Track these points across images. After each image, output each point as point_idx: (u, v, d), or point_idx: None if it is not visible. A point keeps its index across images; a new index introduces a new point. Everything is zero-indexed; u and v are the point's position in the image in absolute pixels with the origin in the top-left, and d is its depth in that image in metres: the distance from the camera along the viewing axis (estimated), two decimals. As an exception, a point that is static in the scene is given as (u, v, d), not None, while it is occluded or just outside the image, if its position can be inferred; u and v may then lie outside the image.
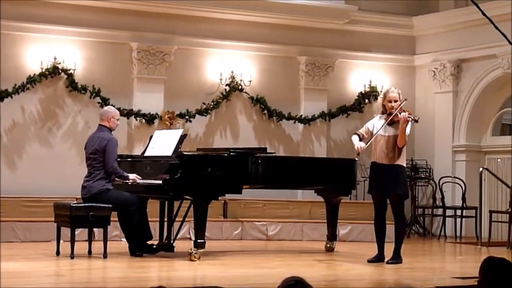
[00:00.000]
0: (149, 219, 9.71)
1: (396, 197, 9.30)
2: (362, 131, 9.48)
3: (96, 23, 12.85)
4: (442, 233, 13.99)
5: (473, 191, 13.50)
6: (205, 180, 9.06)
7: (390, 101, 9.31)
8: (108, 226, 9.29)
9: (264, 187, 10.13)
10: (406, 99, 9.48)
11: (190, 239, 11.08)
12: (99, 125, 9.65)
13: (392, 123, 9.22)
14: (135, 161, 10.02)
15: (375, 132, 9.30)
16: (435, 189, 14.09)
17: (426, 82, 15.00)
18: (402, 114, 9.09)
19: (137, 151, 12.11)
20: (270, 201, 13.07)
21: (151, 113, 13.15)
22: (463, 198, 13.84)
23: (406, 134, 9.14)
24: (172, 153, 9.31)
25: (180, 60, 13.44)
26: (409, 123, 9.14)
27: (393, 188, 9.23)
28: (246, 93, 13.85)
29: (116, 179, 9.49)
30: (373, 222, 9.56)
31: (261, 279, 7.89)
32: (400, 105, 9.26)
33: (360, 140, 9.41)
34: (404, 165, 9.38)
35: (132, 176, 9.44)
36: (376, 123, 9.36)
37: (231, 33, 13.69)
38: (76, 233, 9.28)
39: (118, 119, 9.80)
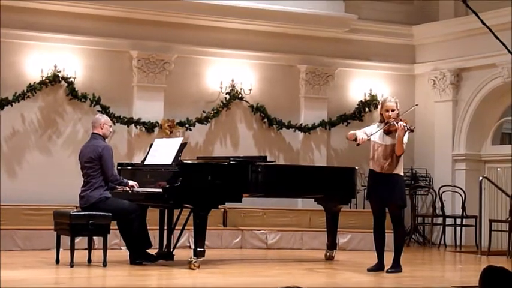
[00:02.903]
0: (149, 227, 9.70)
1: (395, 207, 9.30)
2: (365, 136, 9.41)
3: (96, 31, 12.87)
4: (442, 241, 13.99)
5: (473, 200, 13.49)
6: (205, 189, 9.05)
7: (387, 110, 9.30)
8: (108, 234, 9.28)
9: (264, 195, 10.12)
10: (417, 104, 9.49)
11: (190, 247, 11.07)
12: (92, 133, 9.60)
13: (389, 132, 9.22)
14: (135, 169, 10.02)
15: (372, 138, 9.29)
16: (435, 198, 14.08)
17: (426, 91, 15.01)
18: (399, 123, 9.09)
19: (137, 159, 12.11)
20: (269, 209, 13.07)
21: (152, 121, 13.16)
22: (463, 207, 13.84)
23: (404, 142, 9.14)
24: (173, 162, 9.31)
25: (180, 69, 13.46)
26: (406, 132, 9.13)
27: (392, 197, 9.23)
28: (246, 102, 13.87)
29: (117, 186, 9.48)
30: (372, 231, 9.56)
31: (260, 287, 7.88)
32: (398, 114, 9.26)
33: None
34: (402, 173, 9.37)
35: (131, 182, 9.44)
36: (374, 131, 9.34)
37: (231, 42, 13.72)
38: (76, 241, 9.26)
39: (110, 126, 9.77)
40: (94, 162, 9.28)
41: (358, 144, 9.30)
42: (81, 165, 9.48)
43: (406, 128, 9.05)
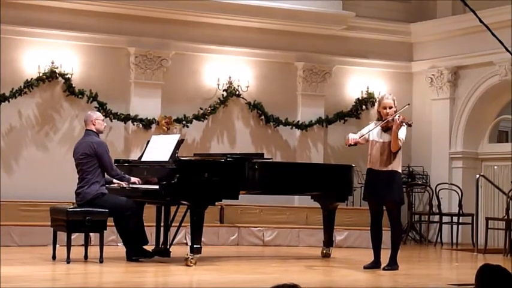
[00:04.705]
0: (146, 224, 9.70)
1: (392, 204, 9.29)
2: (357, 136, 9.47)
3: (93, 27, 12.86)
4: (439, 239, 14.00)
5: (469, 198, 13.50)
6: (202, 186, 9.05)
7: (385, 108, 9.30)
8: (105, 231, 9.27)
9: (260, 193, 10.13)
10: (408, 104, 9.52)
11: (186, 244, 11.05)
12: (86, 130, 9.57)
13: (387, 129, 9.22)
14: (132, 166, 10.01)
15: (370, 136, 9.31)
16: (432, 196, 14.10)
17: (423, 89, 15.02)
18: (395, 117, 9.09)
19: (134, 156, 12.11)
20: (266, 206, 13.07)
21: (149, 118, 13.15)
22: (460, 205, 13.85)
23: (401, 138, 9.12)
24: (169, 158, 9.31)
25: (177, 66, 13.45)
26: (403, 127, 9.12)
27: (388, 194, 9.23)
28: (243, 99, 13.87)
29: (118, 181, 9.47)
30: (369, 228, 9.57)
31: (257, 284, 7.88)
32: (395, 111, 9.25)
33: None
34: (400, 170, 9.36)
35: (133, 178, 9.44)
36: (373, 130, 9.36)
37: (229, 39, 13.71)
38: (72, 237, 9.27)
39: (103, 120, 9.74)
40: (89, 158, 9.26)
41: (350, 145, 9.37)
42: (75, 162, 9.46)
43: (402, 123, 9.04)
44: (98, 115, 9.71)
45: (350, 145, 9.41)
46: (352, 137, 9.40)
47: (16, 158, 12.52)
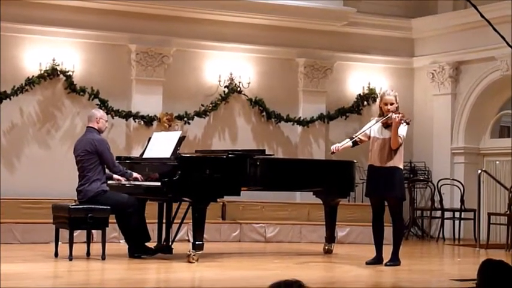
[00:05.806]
0: (148, 220, 9.69)
1: (393, 200, 9.30)
2: (360, 135, 9.48)
3: (94, 24, 12.85)
4: (441, 235, 14.00)
5: (471, 193, 13.49)
6: (203, 182, 9.05)
7: (386, 104, 9.30)
8: (107, 228, 9.28)
9: (262, 189, 10.13)
10: (392, 111, 9.28)
11: (188, 241, 11.08)
12: (88, 127, 9.56)
13: (388, 125, 9.23)
14: (134, 163, 10.01)
15: (371, 133, 9.33)
16: (434, 192, 14.09)
17: (425, 84, 15.00)
18: (394, 115, 9.10)
19: (136, 153, 12.11)
20: (268, 203, 13.07)
21: (150, 115, 13.15)
22: (462, 201, 13.85)
23: (401, 135, 9.12)
24: (171, 155, 9.31)
25: (178, 62, 13.45)
26: (402, 125, 9.13)
27: (390, 190, 9.23)
28: (245, 95, 13.86)
29: (120, 177, 9.47)
30: (371, 224, 9.57)
31: (259, 281, 7.87)
32: (397, 107, 9.26)
33: (355, 143, 9.48)
34: (401, 166, 9.36)
35: (135, 174, 9.43)
36: (373, 126, 9.37)
37: (230, 35, 13.70)
38: (74, 234, 9.27)
39: (107, 121, 9.74)
40: (90, 156, 9.25)
41: (332, 153, 9.44)
42: (76, 160, 9.43)
43: (401, 121, 9.06)
44: (103, 114, 9.71)
45: (333, 153, 9.49)
46: (335, 146, 9.46)
47: (18, 156, 12.52)
